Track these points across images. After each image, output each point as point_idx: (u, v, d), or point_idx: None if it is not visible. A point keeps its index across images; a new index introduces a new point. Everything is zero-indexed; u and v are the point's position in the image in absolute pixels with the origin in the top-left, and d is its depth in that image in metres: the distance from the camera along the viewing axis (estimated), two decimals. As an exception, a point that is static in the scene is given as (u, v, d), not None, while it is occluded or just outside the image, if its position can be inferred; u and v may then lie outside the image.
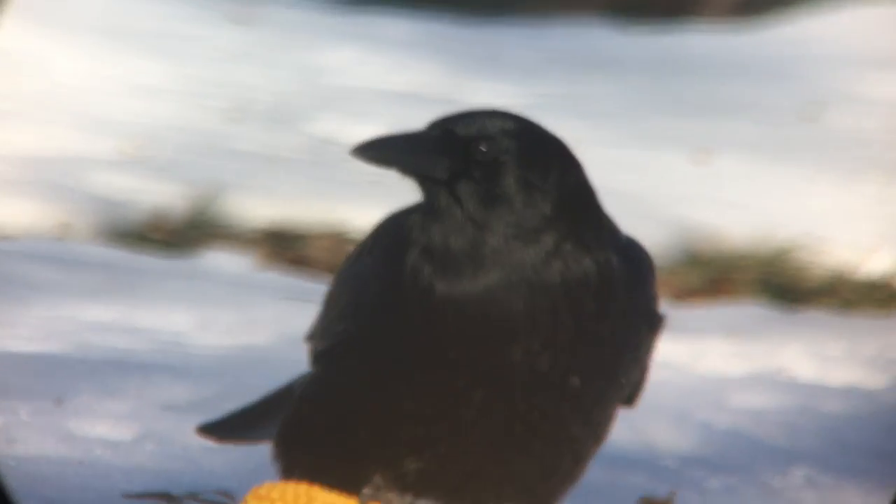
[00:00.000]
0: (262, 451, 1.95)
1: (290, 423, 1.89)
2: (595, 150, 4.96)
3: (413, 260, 1.78)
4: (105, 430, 2.44)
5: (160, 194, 4.57)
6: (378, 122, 5.49)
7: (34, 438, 2.36)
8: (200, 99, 5.66)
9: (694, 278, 4.30)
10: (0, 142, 4.88)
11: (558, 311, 1.76)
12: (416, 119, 1.90)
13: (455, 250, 1.76)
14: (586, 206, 1.80)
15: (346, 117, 5.65)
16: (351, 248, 1.93)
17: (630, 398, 1.87)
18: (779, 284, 4.29)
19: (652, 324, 1.85)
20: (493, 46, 6.80)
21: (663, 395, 2.85)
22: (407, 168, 1.79)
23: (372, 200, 4.17)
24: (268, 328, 3.21)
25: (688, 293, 4.20)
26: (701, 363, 3.20)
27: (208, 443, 2.13)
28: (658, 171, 5.23)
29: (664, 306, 1.86)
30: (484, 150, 1.78)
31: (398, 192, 1.88)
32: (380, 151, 1.79)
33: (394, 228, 1.84)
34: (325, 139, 5.44)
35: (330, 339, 1.86)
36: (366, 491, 1.82)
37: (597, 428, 1.83)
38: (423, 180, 1.79)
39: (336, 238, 4.44)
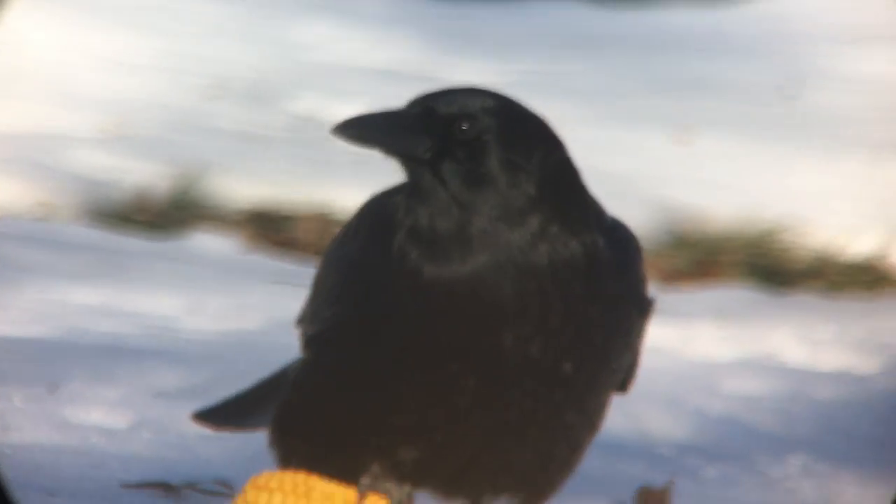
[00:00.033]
0: (259, 439, 1.95)
1: (284, 411, 1.88)
2: (576, 129, 4.96)
3: (400, 242, 1.77)
4: (100, 418, 2.43)
5: (142, 173, 4.54)
6: (358, 99, 5.46)
7: (29, 426, 2.35)
8: (180, 75, 5.61)
9: (680, 261, 4.31)
10: (-23, 119, 4.82)
11: (547, 294, 1.76)
12: (396, 96, 1.89)
13: (442, 232, 1.75)
14: (571, 187, 1.79)
15: (327, 94, 5.61)
16: (336, 230, 1.92)
17: (623, 384, 1.88)
18: (765, 266, 4.31)
19: (642, 307, 1.85)
20: (473, 23, 6.77)
21: (655, 381, 2.86)
22: (388, 148, 1.78)
23: (356, 180, 4.15)
24: (258, 312, 3.20)
25: (675, 276, 4.21)
26: (691, 348, 3.22)
27: (204, 430, 2.13)
28: (640, 150, 5.24)
29: (651, 289, 1.87)
30: (465, 128, 1.77)
31: (382, 171, 1.87)
32: (360, 131, 1.78)
33: (379, 210, 1.83)
34: (306, 117, 5.42)
35: (319, 323, 1.86)
36: (364, 480, 1.82)
37: (591, 415, 1.84)
38: (406, 160, 1.78)
39: (321, 219, 4.42)
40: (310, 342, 1.88)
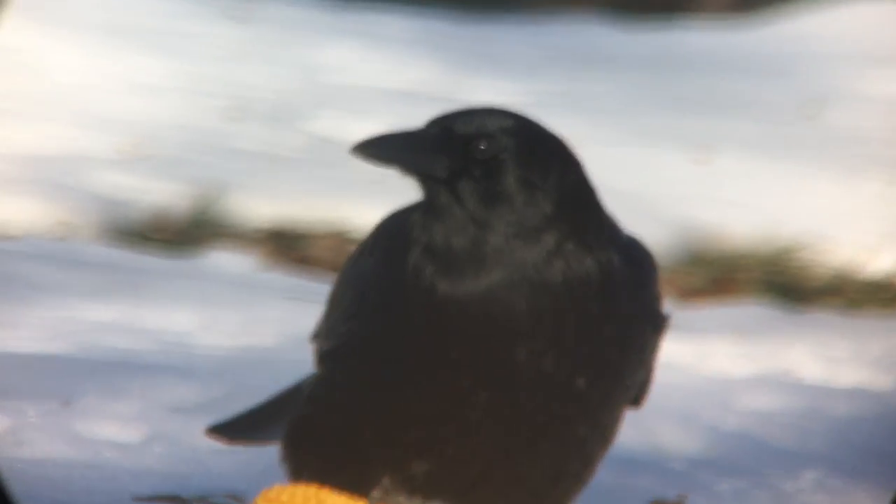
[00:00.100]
0: (271, 453, 1.95)
1: (297, 425, 1.89)
2: (595, 148, 4.96)
3: (415, 259, 1.78)
4: (113, 432, 2.44)
5: (161, 193, 4.57)
6: (377, 120, 5.48)
7: (42, 440, 2.36)
8: (200, 97, 5.65)
9: (697, 278, 4.30)
10: (0, 140, 4.87)
11: (561, 311, 1.76)
12: (415, 117, 1.91)
13: (457, 249, 1.76)
14: (587, 205, 1.80)
15: (346, 115, 5.64)
16: (353, 248, 1.93)
17: (636, 399, 1.88)
18: (782, 284, 4.29)
19: (656, 324, 1.85)
20: (492, 44, 6.80)
21: (669, 397, 2.85)
22: (407, 166, 1.80)
23: (373, 199, 4.16)
24: (273, 328, 3.21)
25: (691, 293, 4.20)
26: (706, 364, 3.21)
27: (217, 444, 2.13)
28: (658, 169, 5.23)
29: (668, 306, 1.86)
30: (483, 148, 1.78)
31: (399, 190, 1.88)
32: (379, 150, 1.79)
33: (395, 227, 1.84)
34: (325, 138, 5.44)
35: (334, 339, 1.86)
36: (375, 494, 1.83)
37: (604, 430, 1.83)
38: (424, 179, 1.80)
39: (338, 237, 4.44)
40: (324, 357, 1.89)
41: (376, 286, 1.81)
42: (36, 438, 2.36)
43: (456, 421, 1.78)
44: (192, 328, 3.15)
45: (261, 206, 4.58)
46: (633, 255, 1.83)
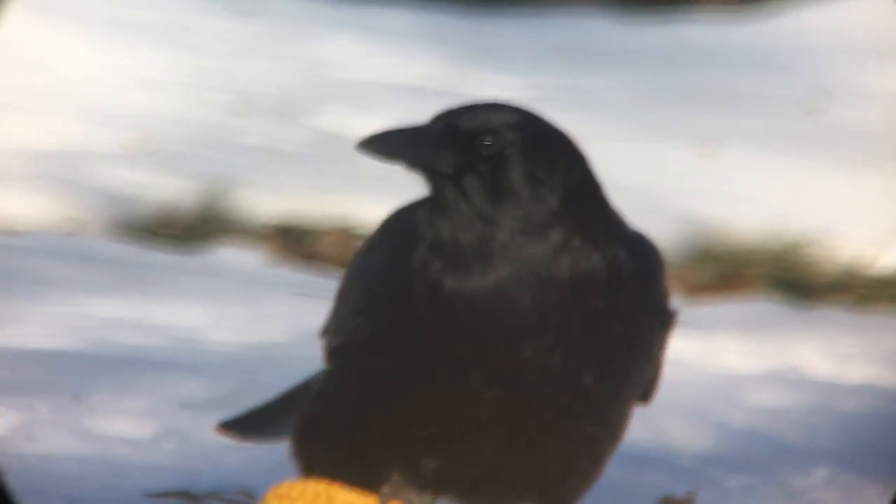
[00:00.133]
0: (281, 449, 1.96)
1: (306, 421, 1.89)
2: (600, 143, 4.96)
3: (421, 255, 1.78)
4: (123, 428, 2.44)
5: (167, 188, 4.57)
6: (382, 114, 5.48)
7: (52, 436, 2.36)
8: (205, 92, 5.65)
9: (704, 274, 4.30)
10: (5, 135, 4.87)
11: (568, 307, 1.76)
12: (420, 112, 1.90)
13: (463, 245, 1.76)
14: (593, 201, 1.79)
15: (351, 110, 5.64)
16: (360, 243, 1.93)
17: (645, 395, 1.88)
18: (790, 280, 4.29)
19: (664, 320, 1.85)
20: (497, 38, 6.79)
21: (678, 394, 2.85)
22: (412, 162, 1.79)
23: (379, 194, 4.17)
24: (281, 324, 3.22)
25: (699, 289, 4.20)
26: (715, 361, 3.21)
27: (227, 440, 2.13)
28: (664, 164, 5.23)
29: (675, 302, 1.86)
30: (488, 143, 1.78)
31: (406, 185, 1.88)
32: (385, 146, 1.79)
33: (401, 223, 1.84)
34: (330, 133, 5.44)
35: (343, 335, 1.86)
36: (385, 490, 1.83)
37: (613, 426, 1.83)
38: (430, 174, 1.79)
39: (345, 233, 4.44)
40: (333, 353, 1.89)
41: (383, 282, 1.80)
42: (47, 434, 2.37)
43: (464, 417, 1.78)
44: (200, 324, 3.15)
45: (267, 202, 4.59)
46: (640, 250, 1.83)
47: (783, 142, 5.44)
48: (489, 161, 1.77)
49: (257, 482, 2.23)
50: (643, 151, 5.32)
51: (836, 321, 3.63)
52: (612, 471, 1.86)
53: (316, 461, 1.87)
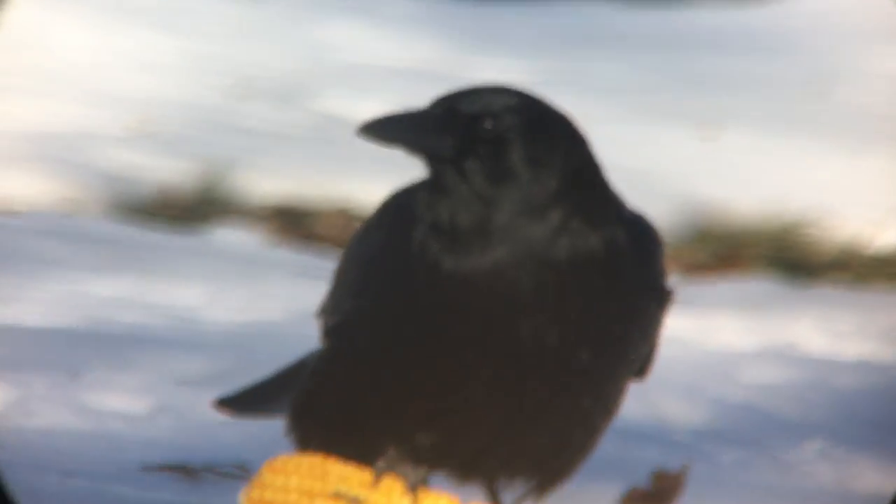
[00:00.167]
0: (277, 425, 1.97)
1: (302, 397, 1.90)
2: (601, 126, 4.95)
3: (421, 236, 1.78)
4: (120, 404, 2.45)
5: (167, 170, 4.58)
6: (383, 98, 5.48)
7: (49, 411, 2.37)
8: (207, 75, 5.65)
9: (703, 254, 4.30)
10: (5, 116, 4.88)
11: (565, 287, 1.76)
12: (421, 96, 1.90)
13: (463, 227, 1.76)
14: (593, 182, 1.80)
15: (352, 94, 5.64)
16: (358, 225, 1.93)
17: (640, 371, 1.88)
18: (789, 259, 4.29)
19: (660, 299, 1.85)
20: (498, 22, 6.78)
21: (674, 371, 2.86)
22: (413, 146, 1.80)
23: (379, 176, 4.17)
24: (279, 304, 3.23)
25: (697, 268, 4.20)
26: (711, 338, 3.21)
27: (223, 416, 2.14)
28: (665, 146, 5.23)
29: (673, 282, 1.86)
30: (488, 126, 1.78)
31: (405, 168, 1.88)
32: (385, 131, 1.79)
33: (400, 205, 1.84)
34: (330, 116, 5.44)
35: (340, 314, 1.87)
36: (380, 464, 1.83)
37: (608, 402, 1.84)
38: (430, 158, 1.79)
39: (344, 214, 4.44)
40: (330, 333, 1.89)
41: (382, 263, 1.81)
42: (43, 409, 2.38)
43: (461, 394, 1.79)
44: (198, 303, 3.16)
45: (267, 184, 4.59)
46: (639, 230, 1.83)
47: (784, 123, 5.44)
48: (489, 144, 1.77)
49: (253, 457, 2.24)
50: (644, 134, 5.32)
51: (832, 299, 3.63)
52: (606, 445, 1.87)
53: (311, 436, 1.88)
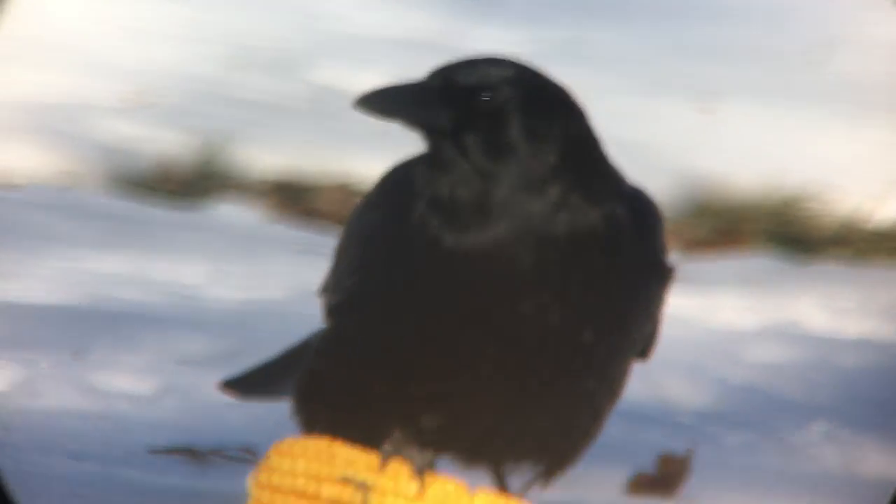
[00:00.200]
0: (283, 407, 1.97)
1: (307, 379, 1.89)
2: (599, 97, 4.92)
3: (420, 211, 1.77)
4: (125, 384, 2.45)
5: (165, 142, 4.56)
6: (380, 69, 5.45)
7: (55, 392, 2.37)
8: (203, 45, 5.61)
9: (702, 229, 4.30)
10: (3, 88, 4.84)
11: (566, 263, 1.75)
12: (418, 67, 1.89)
13: (462, 202, 1.75)
14: (592, 156, 1.78)
15: (349, 65, 5.60)
16: (358, 200, 1.93)
17: (643, 352, 1.88)
18: (789, 234, 4.28)
19: (662, 276, 1.85)
20: (494, -9, 6.73)
21: (677, 350, 2.86)
22: (410, 120, 1.78)
23: (378, 151, 4.15)
24: (281, 281, 3.22)
25: (697, 244, 4.20)
26: (713, 317, 3.21)
27: (229, 398, 2.14)
28: (663, 119, 5.21)
29: (674, 258, 1.86)
30: (486, 99, 1.77)
31: (404, 142, 1.87)
32: (382, 103, 1.78)
33: (399, 180, 1.83)
34: (327, 87, 5.41)
35: (341, 293, 1.86)
36: (386, 446, 1.83)
37: (612, 382, 1.84)
38: (427, 131, 1.78)
39: (344, 189, 4.43)
40: (332, 311, 1.89)
41: (382, 239, 1.79)
42: (49, 389, 2.37)
43: (465, 375, 1.78)
44: (200, 281, 3.15)
45: (265, 158, 4.57)
46: (638, 206, 1.82)
47: (783, 95, 5.42)
48: (487, 117, 1.76)
49: (259, 440, 2.24)
50: (642, 106, 5.30)
51: (834, 276, 3.63)
52: (611, 428, 1.87)
53: (317, 419, 1.87)
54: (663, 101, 5.37)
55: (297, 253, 3.41)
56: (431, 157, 1.78)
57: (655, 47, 5.99)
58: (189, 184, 4.33)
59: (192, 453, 2.19)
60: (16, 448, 2.02)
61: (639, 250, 1.81)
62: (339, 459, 1.83)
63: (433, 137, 1.78)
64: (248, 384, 2.11)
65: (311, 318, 2.01)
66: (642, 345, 1.87)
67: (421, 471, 1.81)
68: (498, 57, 1.81)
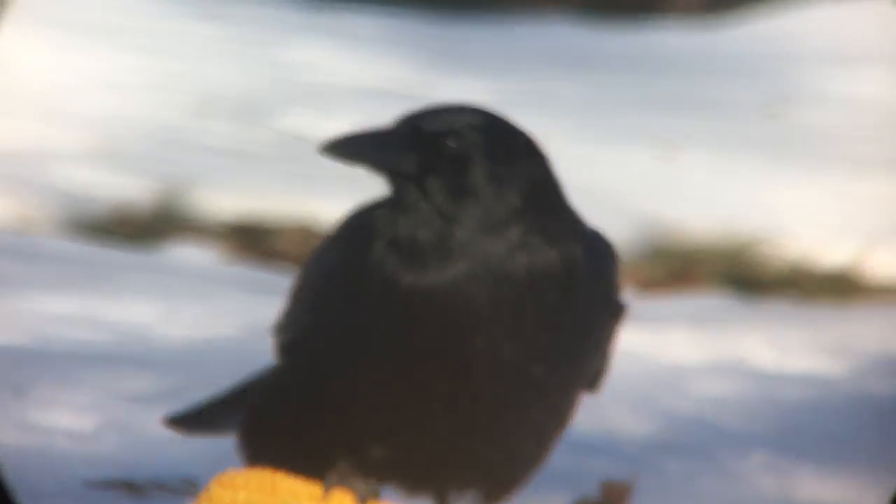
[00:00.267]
0: (225, 441, 1.95)
1: (254, 413, 1.89)
2: (562, 145, 4.98)
3: (379, 252, 1.78)
4: (66, 421, 2.43)
5: (126, 188, 4.56)
6: (347, 117, 5.49)
7: (-7, 429, 2.35)
8: (170, 94, 5.64)
9: (657, 270, 4.33)
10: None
11: (522, 302, 1.77)
12: (385, 115, 1.91)
13: (422, 242, 1.76)
14: (552, 200, 1.81)
15: (315, 113, 5.65)
16: (318, 242, 1.93)
17: (593, 384, 1.89)
18: (741, 276, 4.33)
19: (614, 312, 1.87)
20: (462, 43, 6.82)
21: (626, 383, 2.87)
22: (375, 164, 1.80)
23: (341, 194, 4.17)
24: (233, 320, 3.21)
25: (652, 284, 4.23)
26: (663, 352, 3.23)
27: (172, 434, 2.13)
28: (624, 166, 5.27)
29: (628, 297, 1.88)
30: (451, 145, 1.79)
31: (368, 186, 1.89)
32: (348, 149, 1.79)
33: (360, 221, 1.84)
34: (294, 134, 5.44)
35: (296, 331, 1.87)
36: (331, 477, 1.83)
37: (560, 414, 1.84)
38: (392, 176, 1.80)
39: (304, 231, 4.44)
40: (285, 349, 1.89)
41: (340, 277, 1.80)
42: (-14, 427, 2.35)
43: (415, 408, 1.78)
44: (151, 320, 3.14)
45: (226, 201, 4.58)
46: (595, 246, 1.84)
47: (740, 144, 5.50)
48: (452, 161, 1.78)
49: (200, 472, 2.23)
50: (603, 154, 5.36)
51: (781, 315, 3.67)
52: (557, 456, 1.88)
53: (262, 451, 1.87)
54: (624, 149, 5.43)
55: (250, 293, 3.40)
56: (394, 200, 1.79)
57: (619, 98, 6.07)
58: (146, 227, 4.32)
59: (131, 487, 2.17)
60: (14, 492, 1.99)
61: (593, 289, 1.82)
62: (281, 490, 1.82)
63: (397, 181, 1.80)
64: (192, 420, 2.10)
65: (261, 355, 2.01)
66: (592, 378, 1.88)
67: (364, 499, 1.80)
68: (464, 104, 1.83)
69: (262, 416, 1.88)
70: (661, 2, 7.99)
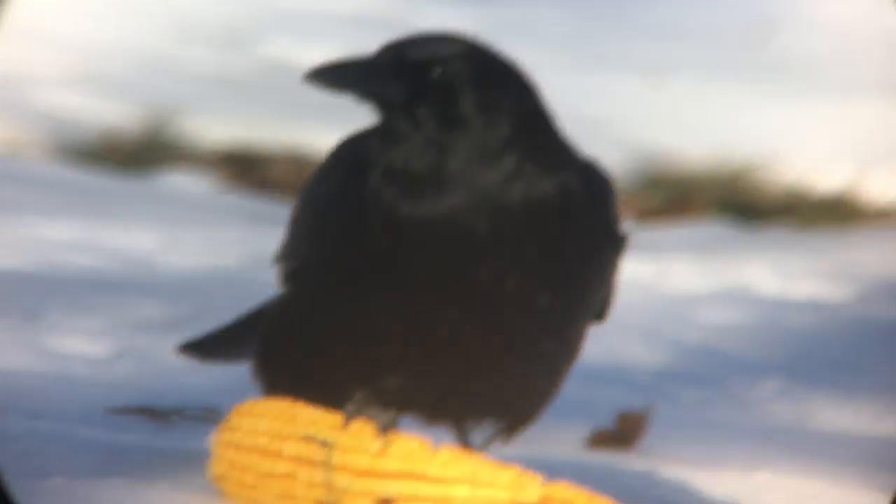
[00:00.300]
0: (243, 370, 1.96)
1: (266, 343, 1.89)
2: (549, 74, 4.95)
3: (375, 181, 1.78)
4: (81, 347, 2.42)
5: (111, 113, 4.51)
6: (329, 45, 5.43)
7: (9, 353, 2.34)
8: (150, 19, 5.55)
9: (655, 199, 4.35)
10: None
11: (521, 232, 1.77)
12: (367, 43, 1.89)
13: (417, 172, 1.76)
14: (544, 129, 1.80)
15: (296, 40, 5.57)
16: (310, 171, 1.92)
17: (599, 314, 1.91)
18: (738, 203, 4.36)
19: (615, 243, 1.88)
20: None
21: (633, 314, 2.89)
22: (362, 92, 1.78)
23: (329, 123, 4.14)
24: (235, 249, 3.20)
25: (649, 214, 4.25)
26: (666, 282, 3.25)
27: (186, 360, 2.13)
28: (614, 94, 5.25)
29: (627, 227, 1.89)
30: (437, 74, 1.78)
31: (355, 115, 1.88)
32: (334, 77, 1.78)
33: (353, 151, 1.83)
34: (275, 62, 5.38)
35: (297, 260, 1.86)
36: (349, 407, 1.84)
37: (569, 344, 1.86)
38: (380, 104, 1.78)
39: (296, 160, 4.41)
40: (288, 278, 1.89)
41: (337, 207, 1.79)
42: (3, 351, 2.34)
43: (423, 338, 1.79)
44: (153, 248, 3.13)
45: (215, 129, 4.54)
46: (591, 176, 1.84)
47: (731, 71, 5.49)
48: (439, 90, 1.77)
49: (220, 401, 2.23)
50: (592, 82, 5.34)
51: (781, 241, 3.70)
52: (571, 387, 1.90)
53: (277, 382, 1.87)
54: (612, 76, 5.41)
55: (248, 221, 3.39)
56: (384, 130, 1.78)
57: (605, 25, 6.03)
58: (136, 154, 4.28)
59: (153, 413, 2.17)
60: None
61: (592, 218, 1.83)
62: (301, 419, 1.83)
63: (386, 110, 1.78)
64: (206, 347, 2.10)
65: (265, 285, 2.01)
66: (598, 308, 1.90)
67: (384, 429, 1.82)
68: (448, 33, 1.82)
69: (273, 345, 1.88)
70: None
